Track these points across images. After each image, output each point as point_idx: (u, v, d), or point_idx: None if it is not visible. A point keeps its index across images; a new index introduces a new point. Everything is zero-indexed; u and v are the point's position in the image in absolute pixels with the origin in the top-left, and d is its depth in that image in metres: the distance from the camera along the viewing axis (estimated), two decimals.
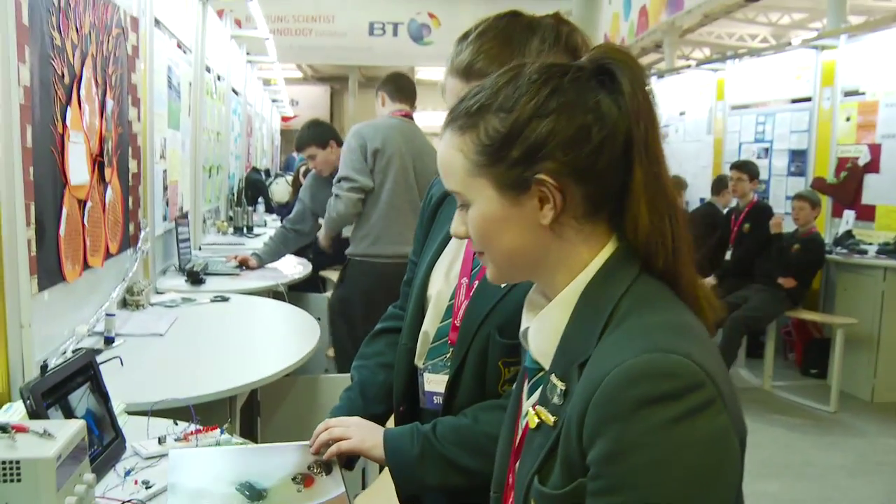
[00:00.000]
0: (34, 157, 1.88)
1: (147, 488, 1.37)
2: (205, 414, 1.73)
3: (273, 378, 2.07)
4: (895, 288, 4.93)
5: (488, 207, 0.87)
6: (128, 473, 1.43)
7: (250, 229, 5.80)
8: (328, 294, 4.05)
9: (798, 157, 6.40)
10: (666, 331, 0.78)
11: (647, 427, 0.72)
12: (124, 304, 2.81)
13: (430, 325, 1.31)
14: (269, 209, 7.35)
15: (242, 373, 2.05)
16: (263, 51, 7.64)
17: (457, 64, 1.17)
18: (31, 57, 1.86)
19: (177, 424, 1.63)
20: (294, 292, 3.92)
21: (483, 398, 1.23)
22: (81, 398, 1.45)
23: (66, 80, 2.15)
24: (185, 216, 4.14)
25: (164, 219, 3.68)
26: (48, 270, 2.00)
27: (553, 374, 0.85)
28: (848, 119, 5.74)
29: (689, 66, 8.79)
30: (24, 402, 1.32)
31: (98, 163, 2.45)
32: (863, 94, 5.62)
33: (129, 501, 1.32)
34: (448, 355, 1.27)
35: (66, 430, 1.19)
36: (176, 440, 1.54)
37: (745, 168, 5.69)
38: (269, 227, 6.15)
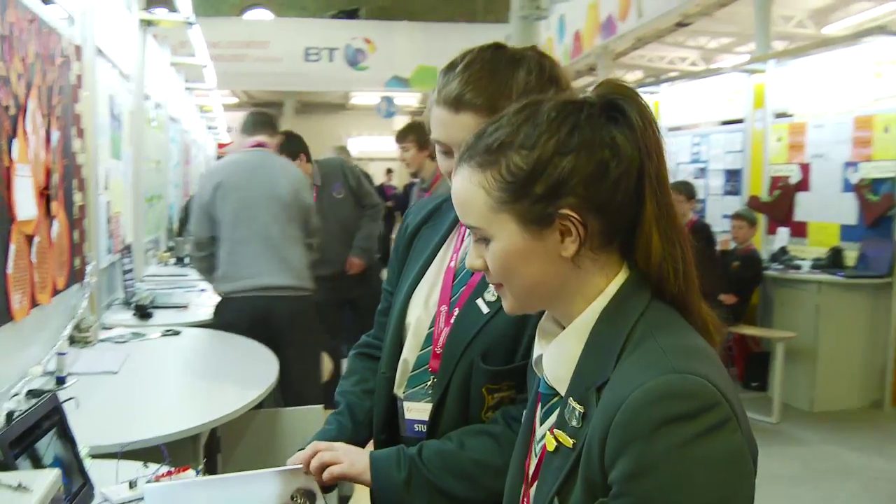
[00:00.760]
0: None
1: None
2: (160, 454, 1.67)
3: (239, 412, 2.03)
4: (830, 301, 5.11)
5: (511, 242, 0.89)
6: None
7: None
8: None
9: (733, 177, 6.61)
10: (682, 353, 0.82)
11: (668, 445, 0.75)
12: (72, 341, 2.71)
13: (409, 353, 1.30)
14: None
15: (206, 408, 2.00)
16: (200, 77, 7.52)
17: (445, 94, 1.17)
18: None
19: (147, 466, 1.57)
20: None
21: (467, 424, 1.22)
22: (49, 445, 1.38)
23: (12, 111, 2.08)
24: (128, 248, 4.03)
25: (108, 251, 3.57)
26: None
27: (571, 398, 0.87)
28: (779, 140, 5.96)
29: None
30: None
31: (45, 196, 2.36)
32: (792, 115, 5.85)
33: None
34: (429, 383, 1.27)
35: (41, 482, 1.13)
36: (148, 483, 1.48)
37: (682, 188, 5.83)
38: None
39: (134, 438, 1.70)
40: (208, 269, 3.36)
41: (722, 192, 6.76)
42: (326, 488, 1.28)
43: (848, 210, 5.34)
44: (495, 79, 1.16)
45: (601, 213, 0.87)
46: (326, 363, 3.96)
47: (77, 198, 2.85)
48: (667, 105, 7.50)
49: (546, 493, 0.87)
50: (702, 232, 5.71)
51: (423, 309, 1.30)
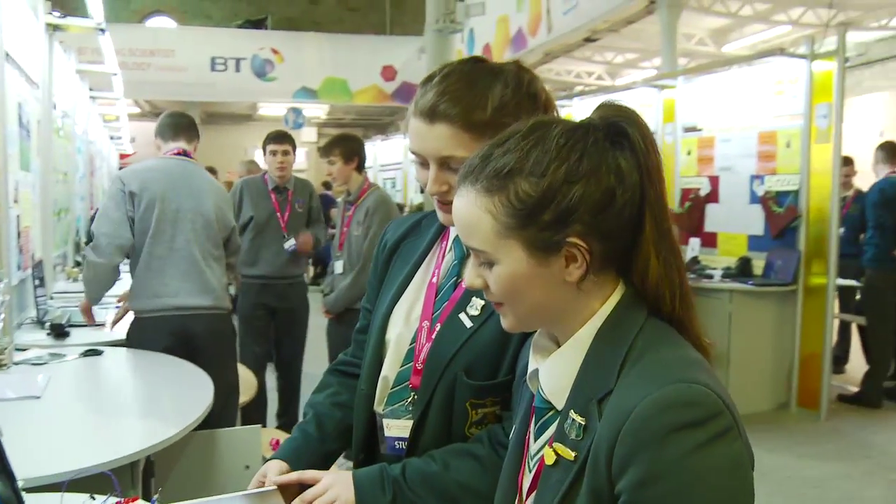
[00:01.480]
0: None
1: None
2: (103, 483, 1.57)
3: (180, 435, 1.94)
4: (741, 309, 5.31)
5: (517, 267, 0.89)
6: None
7: None
8: None
9: None
10: (684, 364, 0.85)
11: (675, 453, 0.77)
12: None
13: (389, 369, 1.28)
14: None
15: (146, 432, 1.91)
16: (105, 85, 7.23)
17: (420, 106, 1.16)
18: None
19: (94, 499, 1.47)
20: None
21: (449, 441, 1.21)
22: None
23: None
24: (39, 264, 3.81)
25: (18, 268, 3.37)
26: None
27: (571, 410, 0.88)
28: (689, 153, 6.19)
29: None
30: None
31: None
32: (700, 130, 6.09)
33: None
34: (409, 400, 1.25)
35: None
36: None
37: None
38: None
39: (71, 468, 1.59)
40: (110, 280, 3.10)
41: None
42: None
43: (755, 221, 5.57)
44: (471, 91, 1.15)
45: (605, 239, 0.88)
46: (249, 380, 3.84)
47: None
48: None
49: None
50: None
51: (404, 325, 1.28)
